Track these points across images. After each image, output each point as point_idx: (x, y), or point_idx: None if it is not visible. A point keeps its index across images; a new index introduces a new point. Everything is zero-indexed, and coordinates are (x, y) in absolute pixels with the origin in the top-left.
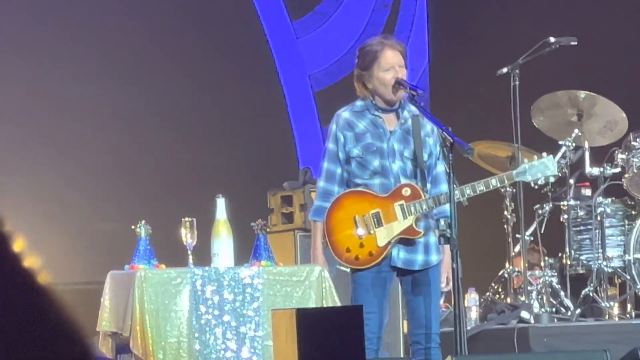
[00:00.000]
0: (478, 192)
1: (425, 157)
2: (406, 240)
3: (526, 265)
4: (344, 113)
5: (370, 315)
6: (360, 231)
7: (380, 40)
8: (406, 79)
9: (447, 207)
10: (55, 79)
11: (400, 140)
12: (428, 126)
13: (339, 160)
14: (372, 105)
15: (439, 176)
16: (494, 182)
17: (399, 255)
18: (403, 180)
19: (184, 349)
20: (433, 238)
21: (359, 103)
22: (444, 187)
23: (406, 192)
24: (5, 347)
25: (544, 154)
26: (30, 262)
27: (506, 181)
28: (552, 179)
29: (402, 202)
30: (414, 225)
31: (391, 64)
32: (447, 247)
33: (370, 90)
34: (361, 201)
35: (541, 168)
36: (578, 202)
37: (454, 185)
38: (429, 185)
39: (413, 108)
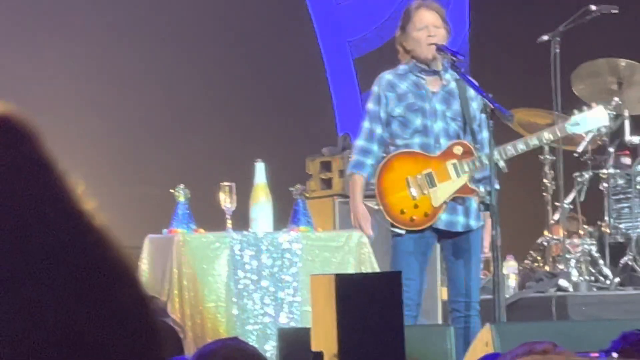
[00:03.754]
0: (532, 146)
1: (471, 119)
2: (449, 202)
3: (565, 233)
4: (387, 75)
5: (409, 282)
6: (414, 192)
7: (418, 1)
8: (445, 41)
9: (487, 173)
10: (93, 44)
11: (442, 101)
12: (471, 90)
13: (380, 120)
14: (414, 67)
15: (485, 141)
16: (546, 135)
17: (441, 217)
18: (444, 140)
19: (222, 314)
20: (474, 203)
21: (402, 67)
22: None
23: (458, 150)
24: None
25: (593, 104)
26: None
27: (559, 133)
28: (603, 130)
29: (455, 160)
30: (468, 183)
31: (425, 23)
32: (486, 214)
33: (409, 52)
34: (412, 162)
35: (593, 119)
36: (618, 171)
37: (493, 148)
38: (477, 146)
39: (455, 73)
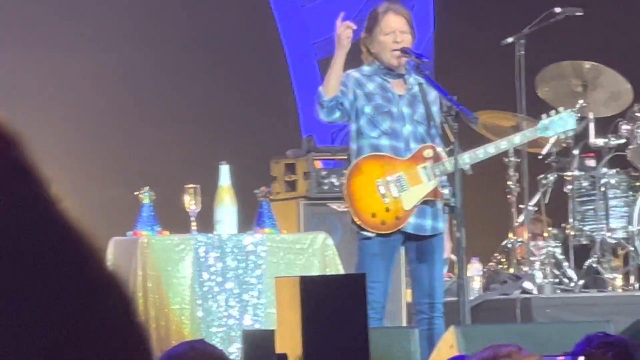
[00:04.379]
0: (502, 149)
1: (434, 122)
2: (421, 205)
3: (529, 235)
4: (354, 73)
5: (375, 284)
6: (386, 195)
7: (386, 5)
8: (410, 45)
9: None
10: (59, 44)
11: (408, 104)
12: (432, 94)
13: (344, 93)
14: (380, 70)
15: (440, 144)
16: (516, 139)
17: (410, 220)
18: (413, 144)
19: (187, 316)
20: (439, 205)
21: (366, 67)
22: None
23: (428, 153)
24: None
25: (561, 108)
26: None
27: (528, 137)
28: (571, 134)
29: (426, 164)
30: (438, 187)
31: (392, 28)
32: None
33: (373, 54)
34: (381, 165)
35: (561, 122)
36: (582, 173)
37: (458, 151)
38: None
39: (418, 77)
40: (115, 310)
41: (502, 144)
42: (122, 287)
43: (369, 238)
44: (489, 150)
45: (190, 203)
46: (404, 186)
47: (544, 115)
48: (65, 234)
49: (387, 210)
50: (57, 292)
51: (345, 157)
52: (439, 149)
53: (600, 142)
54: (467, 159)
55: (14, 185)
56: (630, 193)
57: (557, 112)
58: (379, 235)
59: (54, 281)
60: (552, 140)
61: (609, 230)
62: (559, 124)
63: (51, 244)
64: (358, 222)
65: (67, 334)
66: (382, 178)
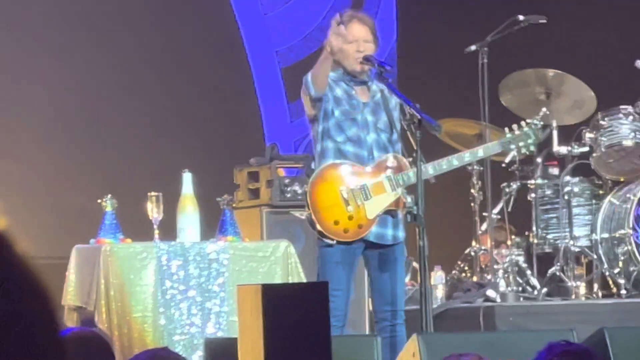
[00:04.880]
0: (466, 161)
1: (397, 130)
2: (384, 214)
3: (493, 243)
4: None
5: (336, 292)
6: (349, 204)
7: (352, 12)
8: (374, 54)
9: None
10: (18, 56)
11: (372, 112)
12: (392, 101)
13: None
14: (344, 77)
15: (401, 152)
16: (480, 153)
17: (371, 229)
18: (377, 152)
19: (149, 324)
20: (400, 214)
21: (332, 73)
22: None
23: (392, 163)
24: None
25: (523, 122)
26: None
27: (491, 151)
28: (532, 148)
29: (389, 173)
30: (402, 197)
31: (356, 37)
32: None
33: (336, 61)
34: (346, 173)
35: (524, 137)
36: (545, 181)
37: (420, 159)
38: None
39: (381, 84)
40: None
41: (466, 157)
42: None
43: (330, 246)
44: (452, 162)
45: (153, 211)
46: (367, 195)
47: (507, 129)
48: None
49: (350, 218)
50: None
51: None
52: (403, 159)
53: (563, 150)
54: (431, 170)
55: None
56: (594, 201)
57: (520, 127)
58: (340, 243)
59: None
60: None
61: (573, 238)
62: (521, 139)
63: None
64: (320, 230)
65: None
66: (346, 186)
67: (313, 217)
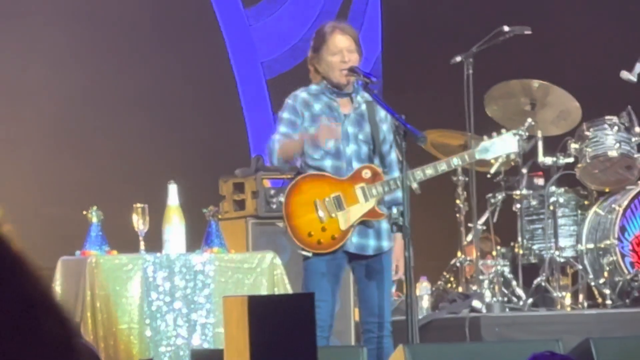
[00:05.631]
0: (440, 171)
1: (380, 142)
2: (360, 225)
3: (478, 254)
4: (301, 93)
5: (321, 303)
6: (322, 215)
7: (333, 23)
8: (358, 65)
9: (399, 194)
10: (3, 65)
11: (354, 124)
12: (382, 112)
13: (296, 126)
14: (326, 89)
15: (393, 163)
16: (455, 161)
17: (352, 240)
18: (356, 164)
19: (135, 336)
20: (385, 224)
21: (314, 87)
22: (396, 174)
23: (366, 174)
24: None
25: (503, 130)
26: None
27: (467, 159)
28: (512, 156)
29: (363, 184)
30: (376, 207)
31: (339, 48)
32: (396, 235)
33: (321, 73)
34: (320, 185)
35: (502, 145)
36: (531, 192)
37: (406, 170)
38: (385, 169)
39: (367, 95)
40: (52, 330)
41: (441, 166)
42: (61, 306)
43: (309, 257)
44: (427, 171)
45: (139, 222)
46: (341, 206)
47: (485, 137)
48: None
49: (323, 229)
50: None
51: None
52: (379, 170)
53: (549, 160)
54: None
55: None
56: (579, 212)
57: (499, 134)
58: (320, 254)
59: None
60: (498, 161)
61: (558, 249)
62: (499, 147)
63: None
64: (295, 241)
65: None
66: (320, 198)
67: (288, 229)
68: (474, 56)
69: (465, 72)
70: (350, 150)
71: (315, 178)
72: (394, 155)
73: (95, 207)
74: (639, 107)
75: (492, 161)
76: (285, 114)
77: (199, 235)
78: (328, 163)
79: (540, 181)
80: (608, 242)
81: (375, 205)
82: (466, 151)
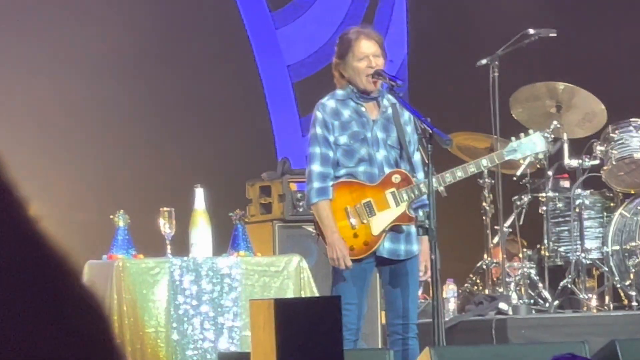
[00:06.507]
0: (469, 173)
1: (407, 145)
2: (391, 231)
3: (504, 256)
4: (329, 102)
5: (350, 306)
6: (354, 221)
7: (357, 29)
8: (384, 69)
9: (425, 197)
10: (34, 70)
11: (382, 128)
12: (406, 115)
13: (330, 144)
14: (353, 94)
15: (418, 164)
16: (484, 162)
17: (384, 245)
18: (387, 169)
19: (162, 339)
20: (413, 228)
21: (339, 92)
22: (420, 175)
23: (396, 179)
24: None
25: (531, 130)
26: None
27: (496, 160)
28: (541, 156)
29: (393, 189)
30: (407, 212)
31: (365, 54)
32: (424, 237)
33: (346, 79)
34: (351, 191)
35: (530, 145)
36: (557, 194)
37: (432, 173)
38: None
39: (392, 98)
40: (91, 330)
41: (470, 168)
42: (99, 307)
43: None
44: (457, 174)
45: (165, 226)
46: (372, 211)
47: (513, 138)
48: (43, 253)
49: (355, 236)
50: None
51: None
52: (409, 174)
53: (574, 163)
54: (434, 183)
55: None
56: (605, 214)
57: (527, 135)
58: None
59: (31, 299)
60: (526, 162)
61: (584, 251)
62: (527, 147)
63: (29, 263)
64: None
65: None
66: (351, 204)
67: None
68: (499, 59)
69: (490, 74)
70: (380, 156)
71: (345, 185)
72: (418, 156)
73: (121, 211)
74: None
75: (520, 161)
76: (317, 130)
77: (225, 239)
78: (361, 169)
79: (566, 183)
80: (634, 243)
81: (406, 209)
82: (495, 152)
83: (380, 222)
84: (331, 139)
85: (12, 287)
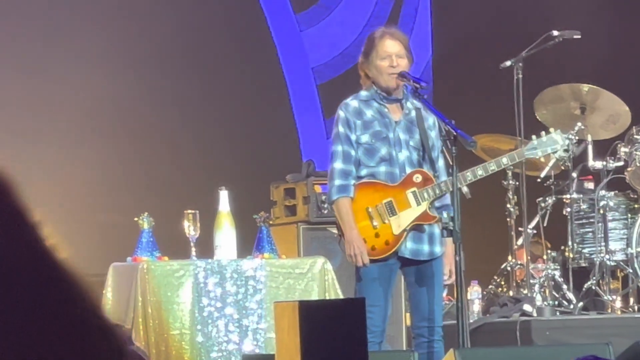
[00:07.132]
0: (490, 171)
1: (429, 148)
2: (413, 231)
3: (529, 258)
4: (352, 102)
5: (374, 308)
6: (375, 221)
7: (383, 29)
8: (408, 69)
9: (449, 199)
10: (57, 71)
11: (405, 130)
12: (430, 119)
13: (352, 142)
14: (377, 95)
15: (442, 169)
16: (505, 160)
17: (407, 245)
18: (409, 169)
19: (187, 341)
20: (437, 229)
21: (364, 93)
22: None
23: (417, 178)
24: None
25: (552, 129)
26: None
27: (517, 158)
28: (563, 153)
29: (414, 188)
30: (428, 211)
31: (388, 53)
32: (448, 239)
33: (370, 78)
34: (372, 192)
35: (550, 143)
36: (581, 196)
37: (456, 175)
38: (435, 175)
39: (416, 102)
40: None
41: (491, 166)
42: (113, 330)
43: (363, 264)
44: (477, 172)
45: (190, 228)
46: (393, 211)
47: (534, 137)
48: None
49: (377, 235)
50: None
51: None
52: (429, 173)
53: (598, 164)
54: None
55: (8, 228)
56: (629, 215)
57: (547, 133)
58: (373, 260)
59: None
60: (550, 163)
61: (608, 252)
62: (547, 144)
63: (43, 284)
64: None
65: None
66: (372, 205)
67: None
68: (523, 60)
69: (514, 76)
70: (403, 156)
71: (366, 185)
72: (442, 162)
73: (146, 214)
74: None
75: (542, 159)
76: (340, 128)
77: (250, 241)
78: (382, 169)
79: (590, 185)
80: None
81: (427, 208)
82: (515, 151)
83: (401, 221)
84: (353, 137)
85: (25, 310)
